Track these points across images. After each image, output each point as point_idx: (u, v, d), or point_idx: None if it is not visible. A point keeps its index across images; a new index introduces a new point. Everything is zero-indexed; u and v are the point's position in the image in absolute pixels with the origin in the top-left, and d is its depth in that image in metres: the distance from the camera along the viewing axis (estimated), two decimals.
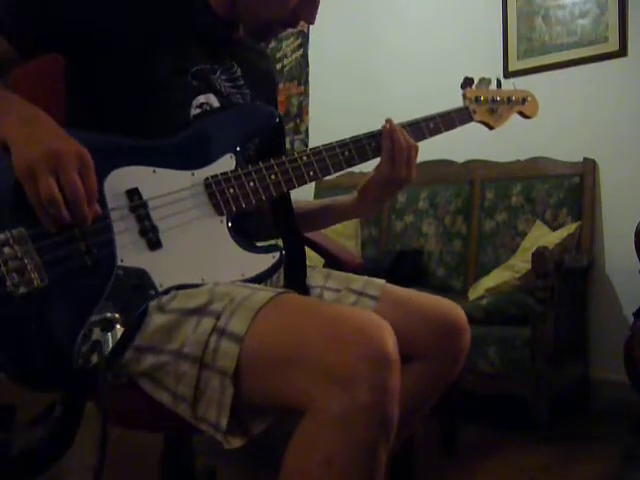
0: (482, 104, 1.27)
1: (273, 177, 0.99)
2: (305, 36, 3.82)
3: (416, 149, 1.11)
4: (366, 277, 1.14)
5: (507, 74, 2.98)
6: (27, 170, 0.79)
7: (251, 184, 0.97)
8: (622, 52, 2.69)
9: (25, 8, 0.95)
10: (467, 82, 1.28)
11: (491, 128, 1.30)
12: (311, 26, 3.77)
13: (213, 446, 0.82)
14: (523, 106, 1.33)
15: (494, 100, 1.29)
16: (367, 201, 1.16)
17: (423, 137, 1.16)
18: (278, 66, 3.94)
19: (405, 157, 1.09)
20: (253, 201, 0.97)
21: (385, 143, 1.09)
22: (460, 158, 3.07)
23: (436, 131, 1.17)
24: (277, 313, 0.82)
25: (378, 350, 0.76)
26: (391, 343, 0.78)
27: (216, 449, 0.81)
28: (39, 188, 0.78)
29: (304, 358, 0.77)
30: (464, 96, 1.27)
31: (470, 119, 1.26)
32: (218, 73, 1.08)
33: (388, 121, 1.10)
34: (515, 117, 1.36)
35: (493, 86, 1.31)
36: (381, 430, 0.76)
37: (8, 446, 0.87)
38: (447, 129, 1.19)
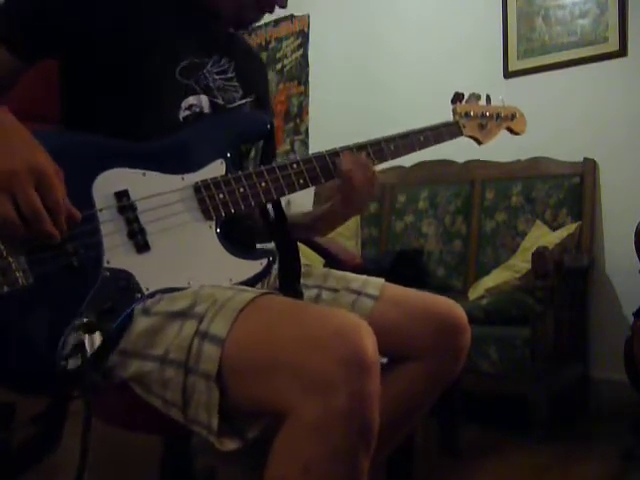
0: (472, 119, 1.29)
1: (264, 184, 0.98)
2: (305, 36, 3.82)
3: (371, 171, 1.07)
4: (365, 276, 1.14)
5: (507, 74, 2.98)
6: (6, 182, 0.76)
7: (241, 190, 0.96)
8: (622, 52, 2.69)
9: (24, 9, 0.95)
10: (457, 97, 1.30)
11: (480, 143, 1.32)
12: (311, 26, 3.77)
13: (212, 446, 0.81)
14: (512, 122, 1.36)
15: (483, 115, 1.31)
16: (323, 227, 1.20)
17: (413, 150, 1.17)
18: (278, 66, 3.94)
19: (365, 192, 1.07)
20: (242, 207, 0.97)
21: (344, 186, 1.06)
22: (460, 158, 3.07)
23: (426, 144, 1.19)
24: (257, 315, 0.81)
25: (355, 354, 0.74)
26: (370, 346, 0.76)
27: (215, 449, 0.81)
28: (22, 203, 0.76)
29: (281, 362, 0.76)
30: (454, 111, 1.29)
31: (460, 133, 1.27)
32: (209, 66, 1.08)
33: (344, 157, 1.05)
34: (520, 134, 1.37)
35: (483, 102, 1.33)
36: (360, 437, 0.74)
37: (8, 444, 0.87)
38: (436, 142, 1.21)
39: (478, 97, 1.32)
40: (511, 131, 1.37)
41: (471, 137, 1.30)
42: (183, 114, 1.02)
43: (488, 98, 1.34)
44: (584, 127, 2.78)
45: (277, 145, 3.88)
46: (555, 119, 2.83)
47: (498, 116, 1.33)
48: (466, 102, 1.30)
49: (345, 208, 1.12)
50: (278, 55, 3.95)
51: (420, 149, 1.19)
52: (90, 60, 0.98)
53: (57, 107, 1.04)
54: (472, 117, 1.29)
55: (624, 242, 2.39)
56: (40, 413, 0.86)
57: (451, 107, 1.29)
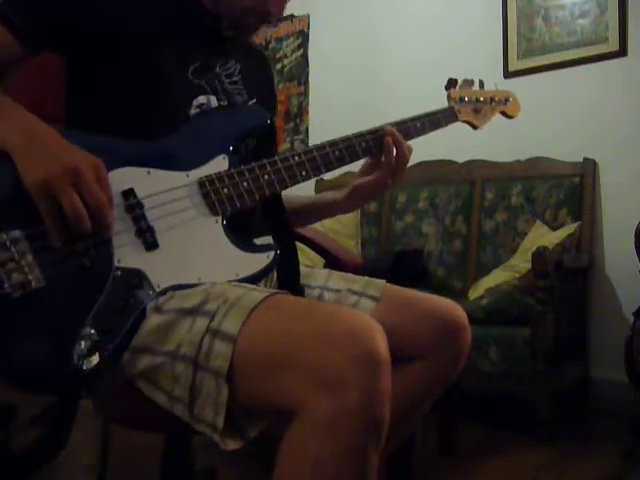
0: (466, 104, 1.30)
1: (266, 177, 0.99)
2: (305, 36, 3.82)
3: (411, 152, 1.13)
4: (367, 277, 1.14)
5: (507, 74, 2.98)
6: (45, 187, 0.79)
7: (245, 184, 0.97)
8: (622, 52, 2.69)
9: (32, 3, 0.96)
10: (451, 83, 1.31)
11: (475, 128, 1.32)
12: (311, 26, 3.77)
13: (213, 446, 0.81)
14: (505, 106, 1.36)
15: (477, 100, 1.32)
16: (356, 201, 1.18)
17: (411, 137, 1.17)
18: (278, 66, 3.94)
19: (404, 168, 1.11)
20: (248, 201, 0.97)
21: (388, 157, 1.10)
22: (460, 158, 3.07)
23: (423, 131, 1.20)
24: (269, 314, 0.81)
25: (368, 352, 0.75)
26: (381, 344, 0.77)
27: (216, 449, 0.81)
28: (64, 205, 0.79)
29: (294, 360, 0.77)
30: (448, 96, 1.30)
31: (455, 119, 1.28)
32: (217, 69, 1.08)
33: (390, 133, 1.10)
34: (513, 117, 1.37)
35: (476, 87, 1.34)
36: (371, 434, 0.75)
37: (8, 445, 0.87)
38: (433, 129, 1.22)
39: (471, 82, 1.33)
40: (505, 115, 1.38)
41: (466, 122, 1.31)
42: (193, 112, 1.03)
43: (481, 83, 1.35)
44: (584, 127, 2.78)
45: (277, 145, 3.89)
46: (555, 119, 2.83)
47: (492, 100, 1.34)
48: (460, 88, 1.31)
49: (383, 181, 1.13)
50: (278, 55, 3.95)
51: (417, 136, 1.19)
52: (102, 58, 0.99)
53: (61, 107, 1.04)
54: (467, 102, 1.30)
55: (624, 242, 2.39)
56: (40, 414, 0.86)
57: (445, 93, 1.30)
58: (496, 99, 1.35)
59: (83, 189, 0.80)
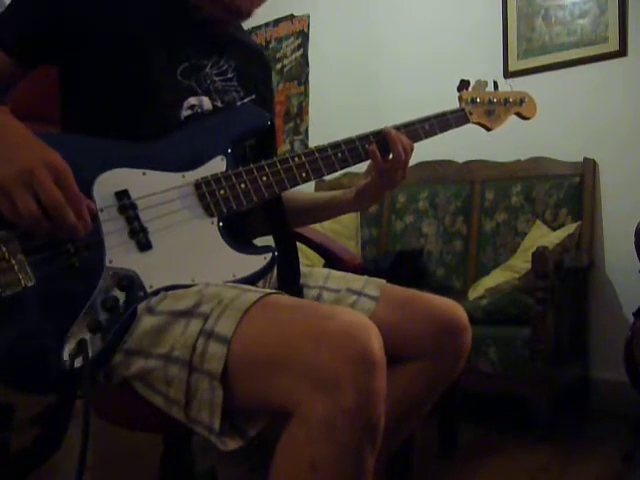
0: (479, 106, 1.28)
1: (265, 178, 0.98)
2: (305, 36, 3.82)
3: (412, 149, 1.12)
4: (366, 277, 1.14)
5: (507, 74, 2.98)
6: (1, 190, 0.77)
7: (242, 185, 0.96)
8: (622, 52, 2.69)
9: (23, 16, 0.96)
10: (463, 84, 1.28)
11: (488, 129, 1.30)
12: (311, 26, 3.77)
13: (213, 446, 0.81)
14: (521, 107, 1.34)
15: (491, 102, 1.29)
16: (364, 200, 1.19)
17: (419, 138, 1.16)
18: (278, 66, 3.94)
19: (402, 164, 1.10)
20: (244, 203, 0.96)
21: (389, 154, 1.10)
22: (460, 158, 3.07)
23: (431, 133, 1.17)
24: (264, 314, 0.81)
25: (363, 352, 0.75)
26: (376, 345, 0.77)
27: (216, 450, 0.81)
28: (18, 208, 0.77)
29: (289, 361, 0.77)
30: (460, 98, 1.27)
31: (467, 120, 1.25)
32: (208, 68, 1.07)
33: (387, 132, 1.09)
34: (514, 117, 1.36)
35: (490, 88, 1.31)
36: (366, 434, 0.75)
37: (8, 445, 0.87)
38: (442, 131, 1.19)
39: (485, 84, 1.30)
40: (520, 116, 1.35)
41: (479, 124, 1.28)
42: (185, 113, 1.02)
43: (495, 84, 1.32)
44: (584, 127, 2.78)
45: (277, 145, 3.89)
46: (555, 119, 2.83)
47: (506, 101, 1.31)
48: (472, 89, 1.29)
49: (385, 180, 1.13)
50: (278, 55, 3.95)
51: (426, 138, 1.17)
52: (90, 61, 0.98)
53: (57, 107, 1.04)
54: (479, 104, 1.27)
55: (624, 242, 2.39)
56: (39, 414, 0.86)
57: (457, 94, 1.28)
58: (511, 100, 1.32)
59: (38, 189, 0.78)
